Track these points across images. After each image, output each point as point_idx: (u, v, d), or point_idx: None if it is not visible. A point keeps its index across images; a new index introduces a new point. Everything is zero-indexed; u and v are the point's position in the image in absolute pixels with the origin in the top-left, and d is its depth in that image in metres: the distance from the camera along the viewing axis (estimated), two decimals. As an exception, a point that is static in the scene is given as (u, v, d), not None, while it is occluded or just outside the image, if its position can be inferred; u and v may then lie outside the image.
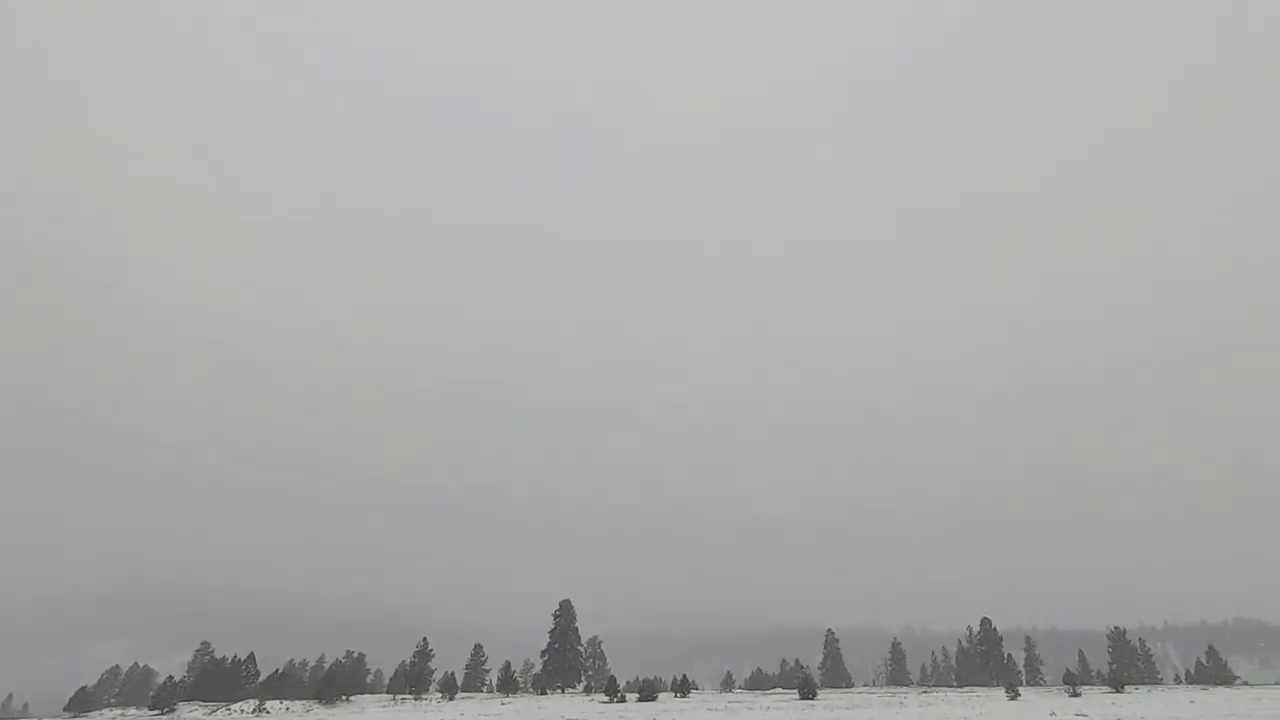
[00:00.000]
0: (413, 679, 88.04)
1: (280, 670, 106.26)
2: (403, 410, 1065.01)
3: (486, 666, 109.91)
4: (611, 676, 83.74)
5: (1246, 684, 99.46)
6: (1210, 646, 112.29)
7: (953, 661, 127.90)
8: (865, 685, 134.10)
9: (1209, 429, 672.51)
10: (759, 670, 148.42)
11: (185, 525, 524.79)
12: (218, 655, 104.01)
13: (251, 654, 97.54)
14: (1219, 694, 67.49)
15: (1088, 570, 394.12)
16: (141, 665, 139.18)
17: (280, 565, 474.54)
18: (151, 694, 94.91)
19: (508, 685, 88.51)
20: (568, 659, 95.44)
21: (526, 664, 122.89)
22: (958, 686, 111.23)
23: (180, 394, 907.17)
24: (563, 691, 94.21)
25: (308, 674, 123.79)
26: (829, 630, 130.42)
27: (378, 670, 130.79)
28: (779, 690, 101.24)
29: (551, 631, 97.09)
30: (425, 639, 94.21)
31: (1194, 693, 71.37)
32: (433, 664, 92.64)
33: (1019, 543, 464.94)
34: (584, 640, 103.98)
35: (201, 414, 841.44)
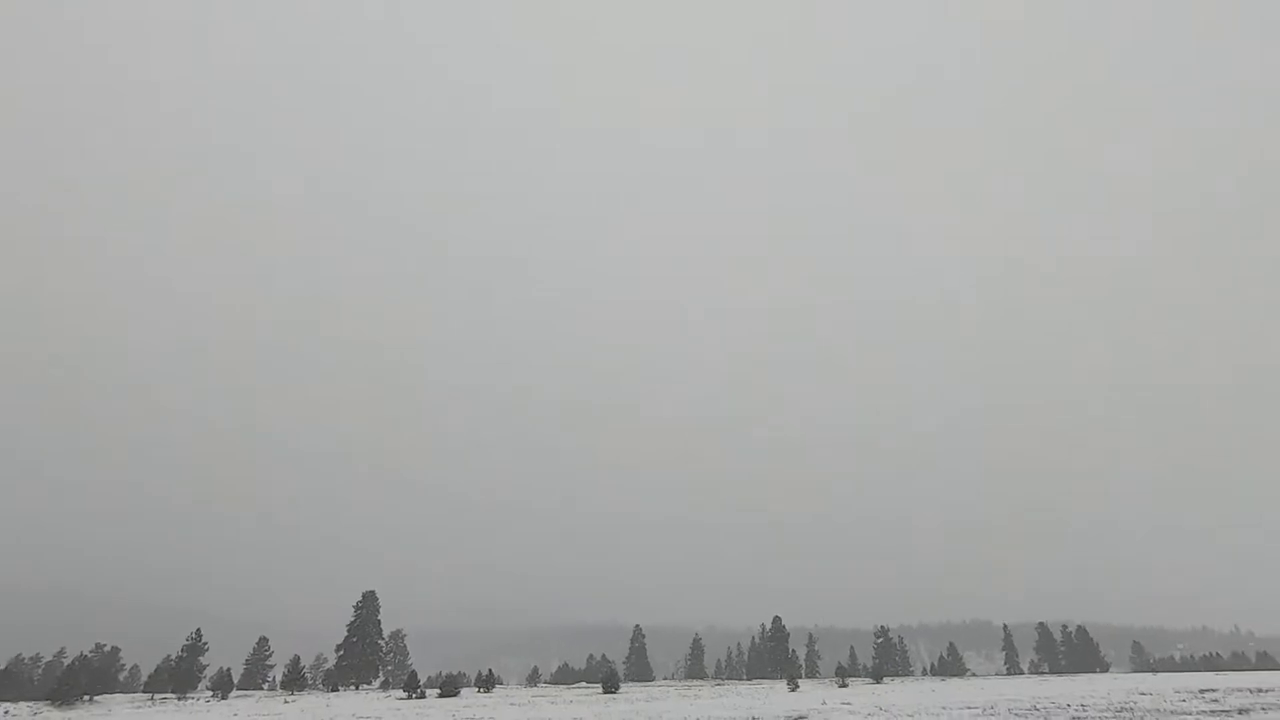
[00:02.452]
0: (178, 676, 78.10)
1: (3, 668, 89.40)
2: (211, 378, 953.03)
3: (271, 662, 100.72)
4: (412, 672, 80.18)
5: (975, 675, 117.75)
6: (951, 644, 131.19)
7: (745, 656, 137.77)
8: (665, 678, 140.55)
9: (964, 450, 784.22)
10: (565, 665, 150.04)
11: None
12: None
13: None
14: (954, 684, 79.32)
15: (862, 574, 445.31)
16: None
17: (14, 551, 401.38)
18: None
19: (294, 682, 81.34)
20: (366, 653, 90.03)
21: (319, 659, 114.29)
22: (748, 679, 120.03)
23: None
24: (357, 688, 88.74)
25: (40, 671, 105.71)
26: (636, 626, 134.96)
27: (134, 666, 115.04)
28: (584, 684, 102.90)
29: (350, 624, 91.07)
30: (199, 630, 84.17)
31: (935, 683, 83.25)
32: (206, 659, 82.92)
33: (810, 548, 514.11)
34: (386, 634, 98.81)
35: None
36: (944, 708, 41.37)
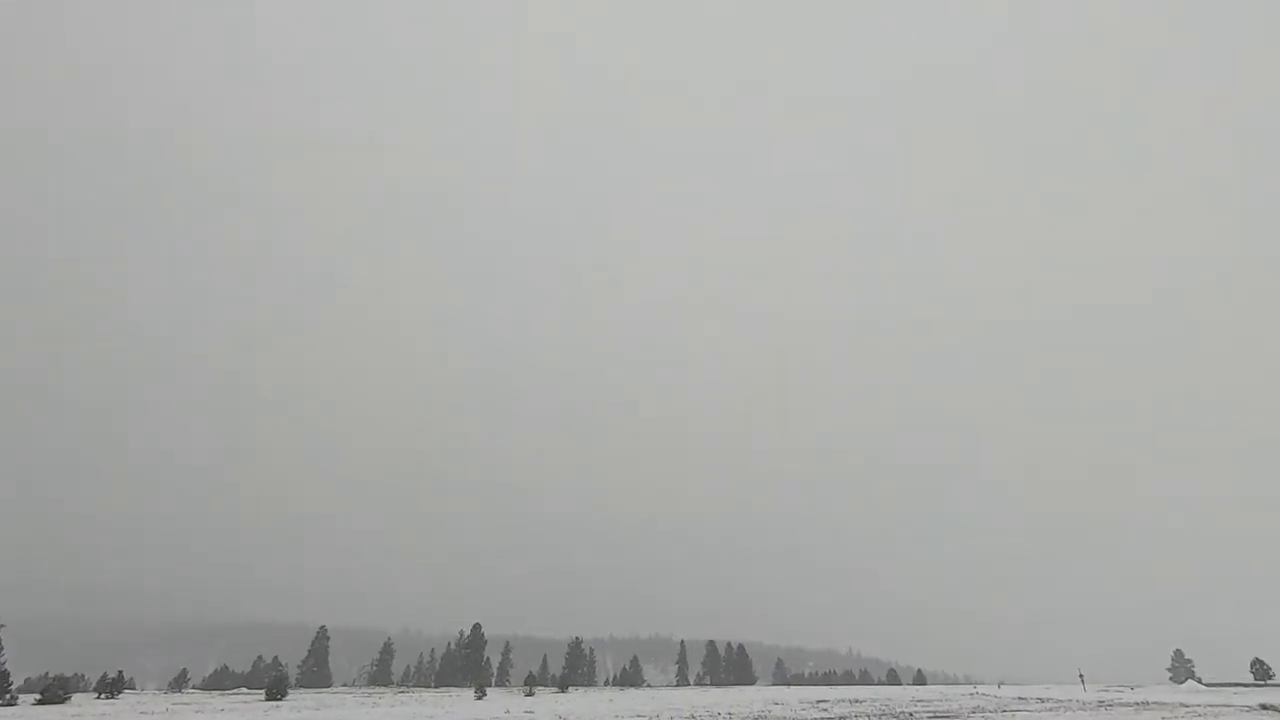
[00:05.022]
0: None
1: None
2: None
3: None
4: (2, 672, 63.36)
5: (650, 686, 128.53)
6: (635, 657, 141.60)
7: (437, 663, 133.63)
8: (345, 685, 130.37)
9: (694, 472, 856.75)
10: (225, 668, 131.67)
11: None
12: None
13: None
14: (630, 693, 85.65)
15: (564, 585, 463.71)
16: None
17: None
18: None
19: None
20: (-68, 647, 69.10)
21: None
22: (436, 686, 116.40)
23: None
24: (-93, 692, 67.51)
25: None
26: (322, 627, 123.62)
27: None
28: (244, 690, 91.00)
29: (-84, 608, 69.44)
30: None
31: (615, 692, 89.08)
32: None
33: (519, 555, 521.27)
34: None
35: None
36: (618, 716, 44.19)
